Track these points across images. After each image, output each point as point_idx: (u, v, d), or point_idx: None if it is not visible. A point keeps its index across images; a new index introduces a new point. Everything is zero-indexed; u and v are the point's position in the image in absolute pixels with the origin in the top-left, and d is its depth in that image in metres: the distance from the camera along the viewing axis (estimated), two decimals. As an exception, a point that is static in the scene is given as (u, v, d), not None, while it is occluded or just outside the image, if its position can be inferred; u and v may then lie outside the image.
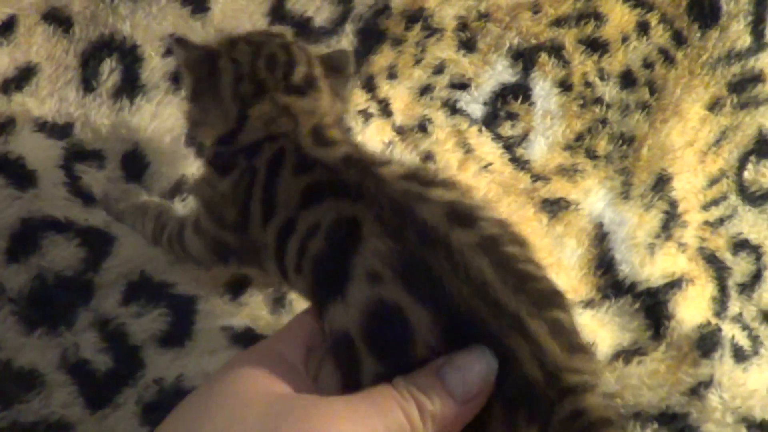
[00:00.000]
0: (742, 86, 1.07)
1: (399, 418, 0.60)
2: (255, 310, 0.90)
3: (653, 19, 1.10)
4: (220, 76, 0.78)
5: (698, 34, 1.09)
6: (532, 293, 0.63)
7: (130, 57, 1.01)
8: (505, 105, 1.08)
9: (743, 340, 0.94)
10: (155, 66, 1.02)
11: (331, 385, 0.67)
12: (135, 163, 0.99)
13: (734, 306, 0.98)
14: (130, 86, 1.01)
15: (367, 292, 0.63)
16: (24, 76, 1.00)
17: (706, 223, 1.02)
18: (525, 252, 0.67)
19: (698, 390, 0.88)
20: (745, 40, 1.08)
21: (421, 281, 0.62)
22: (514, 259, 0.65)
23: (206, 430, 0.59)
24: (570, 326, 0.65)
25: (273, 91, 0.77)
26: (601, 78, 1.09)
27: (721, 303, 0.97)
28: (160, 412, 0.78)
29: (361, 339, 0.63)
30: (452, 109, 1.07)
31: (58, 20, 1.02)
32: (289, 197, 0.71)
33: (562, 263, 0.98)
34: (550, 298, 0.65)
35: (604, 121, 1.07)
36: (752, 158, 1.06)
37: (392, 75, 1.08)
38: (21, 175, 0.93)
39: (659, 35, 1.10)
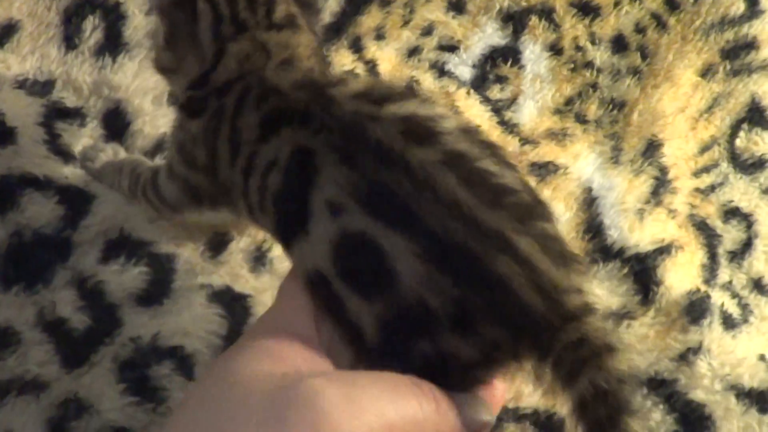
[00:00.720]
0: (735, 53, 1.06)
1: (413, 407, 0.58)
2: (235, 268, 0.89)
3: (646, -17, 1.07)
4: (199, 19, 0.75)
5: (691, 0, 1.08)
6: (512, 208, 0.61)
7: (113, 14, 1.01)
8: (495, 68, 1.07)
9: (733, 308, 0.93)
10: (138, 24, 1.01)
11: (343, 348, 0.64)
12: (116, 121, 0.98)
13: (724, 274, 0.96)
14: (112, 44, 1.00)
15: (331, 225, 0.61)
16: (5, 32, 1.00)
17: (697, 190, 1.01)
18: (499, 162, 0.64)
19: (687, 356, 0.88)
20: (739, 7, 1.07)
21: (386, 206, 0.60)
22: (487, 172, 0.62)
23: (208, 423, 0.56)
24: (557, 236, 0.63)
25: (254, 30, 0.74)
26: (593, 42, 1.08)
27: (710, 270, 0.96)
28: (137, 370, 0.77)
29: (335, 275, 0.62)
30: (440, 71, 1.06)
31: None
32: (250, 131, 0.69)
33: (550, 227, 0.96)
34: (533, 210, 0.62)
35: (594, 86, 1.06)
36: (744, 126, 1.04)
37: (380, 36, 1.07)
38: (0, 132, 0.92)
39: (652, 0, 1.08)
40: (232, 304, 0.87)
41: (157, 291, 0.87)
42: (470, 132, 0.65)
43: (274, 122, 0.67)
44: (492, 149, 0.65)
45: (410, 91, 0.71)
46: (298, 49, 0.75)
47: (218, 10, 0.74)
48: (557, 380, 0.61)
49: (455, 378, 0.61)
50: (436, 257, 0.59)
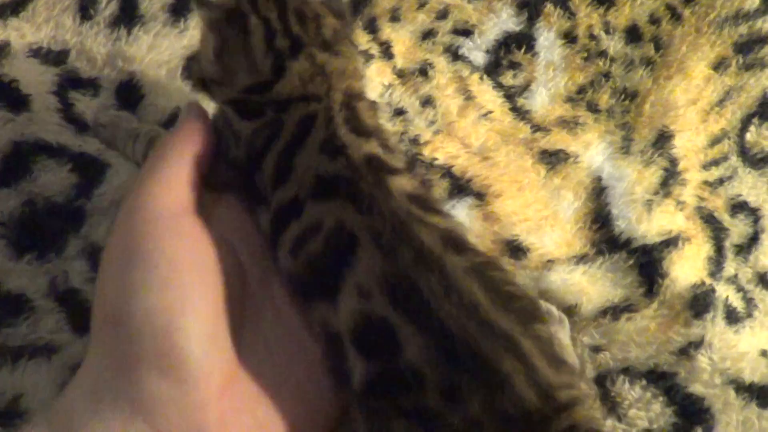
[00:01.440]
0: (748, 47, 1.06)
1: None
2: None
3: (663, -25, 1.07)
4: (252, 34, 0.77)
5: (707, -8, 1.07)
6: (518, 312, 0.66)
7: (129, -14, 1.00)
8: (508, 54, 1.07)
9: (737, 302, 0.94)
10: (155, -3, 1.00)
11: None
12: (130, 93, 0.97)
13: (730, 267, 0.97)
14: (128, 16, 1.00)
15: (357, 305, 0.66)
16: (20, 1, 0.99)
17: (706, 182, 1.01)
18: (508, 275, 0.69)
19: (688, 350, 0.88)
20: (754, 1, 1.07)
21: (409, 301, 0.65)
22: (501, 281, 0.67)
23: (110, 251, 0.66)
24: (549, 338, 0.67)
25: (309, 47, 0.76)
26: (607, 31, 1.08)
27: (716, 263, 0.96)
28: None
29: (350, 341, 0.66)
30: (454, 55, 1.06)
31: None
32: (305, 174, 0.71)
33: (558, 216, 0.97)
34: (532, 313, 0.67)
35: (607, 75, 1.06)
36: (755, 120, 1.05)
37: (395, 18, 1.06)
38: (14, 99, 0.92)
39: (668, -9, 1.07)
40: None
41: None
42: (489, 254, 0.76)
43: (333, 187, 0.70)
44: (502, 267, 0.71)
45: (449, 213, 0.75)
46: (354, 82, 0.78)
47: (270, 25, 0.76)
48: None
49: None
50: (446, 351, 0.63)
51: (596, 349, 0.88)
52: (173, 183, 0.70)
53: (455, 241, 0.68)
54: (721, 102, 1.04)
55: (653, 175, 1.00)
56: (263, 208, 0.73)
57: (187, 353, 0.63)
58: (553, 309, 0.89)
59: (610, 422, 0.84)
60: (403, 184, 0.71)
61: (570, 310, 0.91)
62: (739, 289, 0.95)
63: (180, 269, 0.65)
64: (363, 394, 0.67)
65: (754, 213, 1.00)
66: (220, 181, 0.77)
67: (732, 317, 0.91)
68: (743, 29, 1.06)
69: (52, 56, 0.98)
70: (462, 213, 0.95)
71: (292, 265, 0.70)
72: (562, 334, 0.88)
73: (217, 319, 0.66)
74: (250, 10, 0.78)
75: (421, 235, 0.67)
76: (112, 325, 0.64)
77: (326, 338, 0.68)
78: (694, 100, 1.04)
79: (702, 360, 0.87)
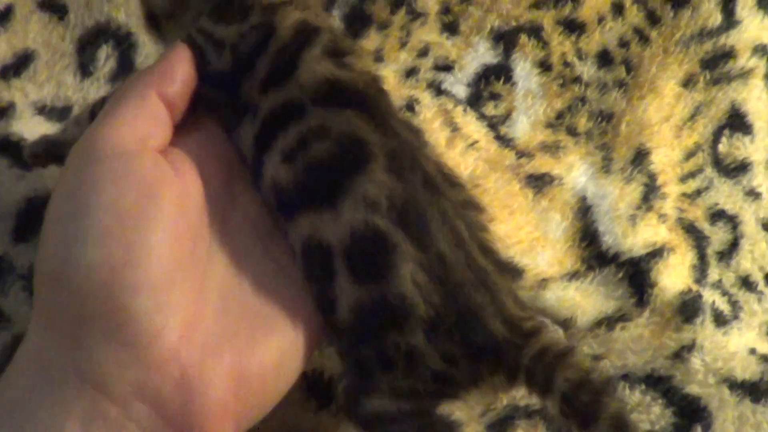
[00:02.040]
0: (714, 63, 1.10)
1: None
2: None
3: (627, 0, 1.13)
4: None
5: (671, 14, 1.12)
6: (491, 256, 0.70)
7: (125, 43, 1.04)
8: (488, 85, 1.11)
9: (723, 306, 0.97)
10: (149, 52, 1.04)
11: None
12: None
13: (713, 273, 1.01)
14: (126, 71, 1.03)
15: (362, 215, 0.65)
16: (22, 62, 1.03)
17: (684, 194, 1.05)
18: (483, 222, 0.72)
19: (681, 353, 0.92)
20: (716, 18, 1.11)
21: (413, 221, 0.65)
22: (480, 224, 0.71)
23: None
24: (515, 291, 0.71)
25: None
26: (579, 58, 1.12)
27: (701, 270, 1.00)
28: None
29: (342, 255, 0.65)
30: (437, 90, 1.10)
31: (53, 8, 1.05)
32: (310, 80, 0.68)
33: (548, 236, 1.01)
34: (506, 267, 0.72)
35: (583, 99, 1.10)
36: (726, 132, 1.08)
37: (379, 58, 1.10)
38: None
39: (634, 15, 1.13)
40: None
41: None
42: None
43: (343, 95, 0.69)
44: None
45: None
46: None
47: None
48: (536, 391, 0.69)
49: (419, 380, 0.68)
50: (435, 272, 0.65)
51: (597, 358, 0.91)
52: (129, 119, 0.64)
53: (447, 175, 0.70)
54: (692, 117, 1.08)
55: (634, 191, 1.04)
56: (248, 119, 0.69)
57: (134, 310, 0.59)
58: (548, 322, 0.93)
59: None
60: (400, 115, 0.72)
61: (566, 323, 0.94)
62: (724, 293, 0.99)
63: (124, 216, 0.60)
64: (348, 329, 0.67)
65: (732, 220, 1.04)
66: (202, 107, 0.72)
67: (720, 320, 0.95)
68: (708, 46, 1.10)
69: (55, 113, 1.01)
70: (459, 239, 0.98)
71: (284, 172, 0.67)
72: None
73: (171, 265, 0.61)
74: None
75: (425, 164, 0.68)
76: (51, 285, 0.60)
77: (310, 255, 0.66)
78: (667, 117, 1.08)
79: (695, 362, 0.91)
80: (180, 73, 0.69)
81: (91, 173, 0.61)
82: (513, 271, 0.75)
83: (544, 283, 0.97)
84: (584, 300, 0.96)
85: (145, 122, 0.65)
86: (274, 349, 0.65)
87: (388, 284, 0.64)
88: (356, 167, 0.65)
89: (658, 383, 0.91)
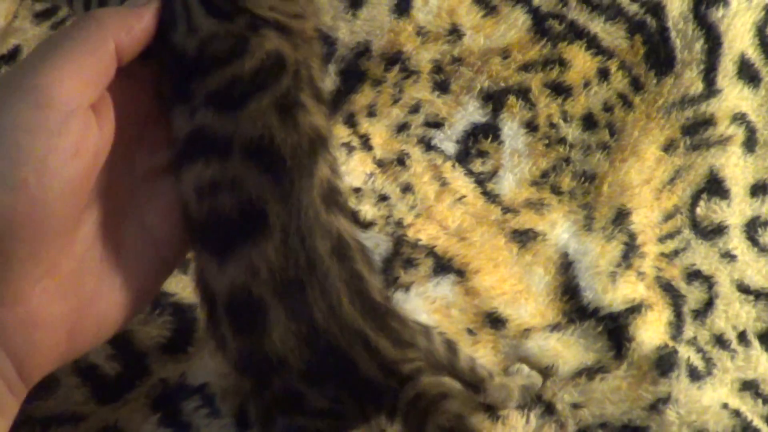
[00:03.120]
0: (694, 129, 1.14)
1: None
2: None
3: (613, 66, 1.17)
4: None
5: (654, 81, 1.16)
6: (373, 311, 0.72)
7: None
8: (476, 143, 1.14)
9: (698, 362, 1.00)
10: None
11: None
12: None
13: (689, 330, 1.04)
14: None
15: (241, 278, 0.67)
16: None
17: (662, 254, 1.08)
18: (370, 285, 0.73)
19: (657, 405, 0.95)
20: (698, 87, 1.14)
21: (289, 293, 0.68)
22: (365, 289, 0.72)
23: None
24: (398, 327, 0.73)
25: None
26: (565, 120, 1.15)
27: (677, 327, 1.03)
28: (169, 405, 0.84)
29: (224, 306, 0.69)
30: (427, 145, 1.13)
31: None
32: (253, 123, 0.69)
33: (531, 290, 1.04)
34: (384, 311, 0.73)
35: (567, 160, 1.13)
36: (704, 196, 1.12)
37: (372, 113, 1.14)
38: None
39: (618, 81, 1.16)
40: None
41: (181, 339, 0.94)
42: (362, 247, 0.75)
43: (269, 155, 0.69)
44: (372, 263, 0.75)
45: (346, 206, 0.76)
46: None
47: None
48: None
49: (310, 417, 0.72)
50: (306, 339, 0.69)
51: (576, 406, 0.94)
52: (79, 69, 0.64)
53: (341, 250, 0.70)
54: (672, 180, 1.11)
55: (615, 249, 1.07)
56: (185, 109, 0.70)
57: (7, 253, 0.62)
58: (525, 368, 0.97)
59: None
60: (324, 170, 0.71)
61: (548, 371, 0.97)
62: (699, 350, 1.01)
63: (33, 163, 0.61)
64: (237, 370, 0.72)
65: (707, 280, 1.07)
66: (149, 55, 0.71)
67: (694, 375, 0.98)
68: (689, 113, 1.13)
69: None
70: (446, 289, 1.02)
71: (194, 204, 0.69)
72: (520, 381, 0.95)
73: (58, 217, 0.63)
74: None
75: (318, 245, 0.69)
76: None
77: (200, 292, 0.71)
78: (647, 180, 1.11)
79: (670, 414, 0.94)
80: (142, 26, 0.68)
81: (27, 120, 0.61)
82: (388, 307, 0.75)
83: (526, 332, 1.00)
84: (565, 350, 0.99)
85: (93, 75, 0.65)
86: (111, 305, 0.70)
87: (262, 340, 0.68)
88: (250, 236, 0.68)
89: (633, 433, 0.93)
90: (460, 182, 1.11)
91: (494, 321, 1.01)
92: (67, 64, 0.63)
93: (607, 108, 1.16)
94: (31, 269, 0.63)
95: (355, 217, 1.02)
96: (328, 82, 1.14)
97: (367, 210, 1.07)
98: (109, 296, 0.70)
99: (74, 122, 0.63)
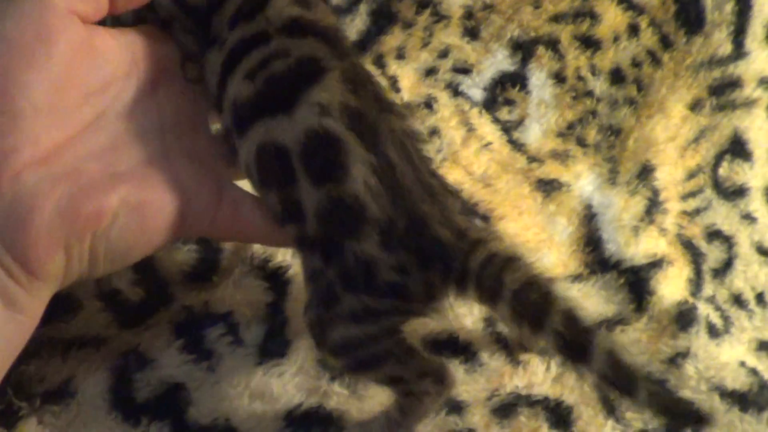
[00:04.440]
0: (721, 90, 1.14)
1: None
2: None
3: (643, 22, 1.16)
4: None
5: (684, 39, 1.16)
6: (438, 183, 0.73)
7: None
8: (504, 92, 1.14)
9: (716, 319, 1.01)
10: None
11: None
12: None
13: (708, 288, 1.04)
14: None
15: (316, 118, 0.68)
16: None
17: (684, 212, 1.09)
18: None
19: (676, 360, 0.96)
20: (727, 48, 1.14)
21: (365, 130, 0.69)
22: (425, 157, 0.73)
23: None
24: (462, 211, 0.75)
25: None
26: (593, 73, 1.15)
27: (696, 284, 1.03)
28: (192, 331, 0.84)
29: (300, 156, 0.69)
30: (455, 91, 1.13)
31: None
32: (276, 16, 0.72)
33: (554, 239, 1.04)
34: (449, 191, 0.74)
35: (594, 113, 1.13)
36: (727, 157, 1.12)
37: (401, 55, 1.13)
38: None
39: (648, 37, 1.16)
40: (274, 275, 0.94)
41: (206, 268, 0.93)
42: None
43: (304, 28, 0.72)
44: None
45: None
46: None
47: None
48: (485, 297, 0.71)
49: (376, 294, 0.71)
50: (385, 177, 0.69)
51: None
52: None
53: (394, 105, 0.73)
54: (696, 139, 1.12)
55: (638, 204, 1.07)
56: (215, 48, 0.73)
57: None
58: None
59: (610, 423, 0.91)
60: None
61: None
62: (717, 308, 1.02)
63: (18, 49, 0.65)
64: (318, 242, 0.71)
65: (727, 240, 1.07)
66: (169, 27, 0.77)
67: (713, 332, 0.98)
68: (717, 73, 1.13)
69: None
70: (471, 232, 1.01)
71: (245, 87, 0.71)
72: None
73: (46, 103, 0.66)
74: None
75: (378, 87, 0.73)
76: None
77: (266, 160, 0.71)
78: (672, 137, 1.11)
79: (689, 368, 0.95)
80: None
81: (12, 8, 0.66)
82: (458, 196, 0.76)
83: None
84: (586, 301, 0.99)
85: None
86: (115, 199, 0.68)
87: (343, 185, 0.68)
88: (312, 79, 0.69)
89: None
90: (487, 129, 1.10)
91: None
92: None
93: (636, 64, 1.16)
94: (16, 147, 0.65)
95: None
96: (358, 21, 1.13)
97: (395, 152, 1.06)
98: (109, 191, 0.68)
99: (50, 14, 0.66)
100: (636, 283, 1.01)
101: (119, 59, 0.72)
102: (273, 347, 0.91)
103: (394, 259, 0.69)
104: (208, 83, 0.74)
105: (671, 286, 1.01)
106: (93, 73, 0.70)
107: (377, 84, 0.74)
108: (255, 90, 0.70)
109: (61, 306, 0.85)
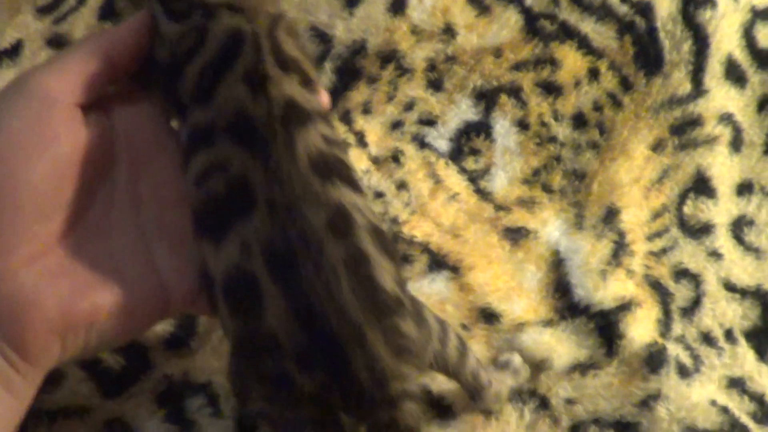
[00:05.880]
0: (682, 129, 1.15)
1: None
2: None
3: (603, 66, 1.18)
4: None
5: (644, 81, 1.17)
6: (377, 303, 0.69)
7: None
8: (469, 141, 1.16)
9: (686, 359, 1.02)
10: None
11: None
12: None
13: (677, 328, 1.05)
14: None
15: (236, 258, 0.67)
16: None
17: (651, 252, 1.10)
18: (375, 271, 0.70)
19: (648, 402, 0.97)
20: (686, 87, 1.16)
21: (283, 270, 0.67)
22: (369, 276, 0.69)
23: None
24: (405, 331, 0.70)
25: None
26: (556, 119, 1.17)
27: (665, 325, 1.05)
28: (173, 401, 0.86)
29: (221, 289, 0.69)
30: (421, 143, 1.14)
31: (61, 45, 1.09)
32: (226, 104, 0.70)
33: (524, 286, 1.06)
34: (393, 307, 0.70)
35: (558, 158, 1.15)
36: (691, 195, 1.13)
37: (367, 110, 1.15)
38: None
39: (608, 81, 1.18)
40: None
41: (184, 333, 0.95)
42: (377, 231, 0.73)
43: (248, 130, 0.69)
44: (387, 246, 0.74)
45: (349, 176, 0.74)
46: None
47: None
48: None
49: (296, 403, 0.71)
50: (304, 322, 0.67)
51: (570, 402, 0.97)
52: (66, 70, 0.70)
53: (338, 225, 0.68)
54: (660, 179, 1.13)
55: (605, 248, 1.08)
56: (182, 119, 0.73)
57: None
58: (515, 359, 0.98)
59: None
60: (312, 138, 0.70)
61: (543, 364, 0.99)
62: (687, 347, 1.03)
63: (15, 146, 0.66)
64: (232, 353, 0.70)
65: (695, 279, 1.09)
66: (145, 78, 0.76)
67: (683, 372, 1.00)
68: (677, 113, 1.15)
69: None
70: (441, 285, 1.03)
71: (193, 195, 0.70)
72: (510, 380, 0.96)
73: (38, 199, 0.67)
74: None
75: (309, 215, 0.67)
76: None
77: (204, 281, 0.70)
78: (636, 179, 1.12)
79: (661, 410, 0.96)
80: (131, 39, 0.73)
81: (10, 106, 0.67)
82: (400, 306, 0.72)
83: (521, 326, 1.02)
84: (559, 345, 1.01)
85: (81, 79, 0.70)
86: (109, 298, 0.70)
87: (257, 320, 0.67)
88: (241, 212, 0.68)
89: (626, 429, 0.96)
90: (454, 180, 1.12)
91: (488, 316, 1.02)
92: (55, 64, 0.70)
93: (597, 107, 1.17)
94: (15, 243, 0.66)
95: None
96: (324, 78, 1.14)
97: (364, 207, 1.08)
98: (103, 290, 0.71)
99: (55, 113, 0.68)
100: (606, 327, 1.03)
101: (109, 145, 0.74)
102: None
103: (313, 377, 0.69)
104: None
105: (641, 328, 1.02)
106: (88, 167, 0.71)
107: (309, 200, 0.69)
108: (198, 205, 0.71)
109: (46, 378, 0.86)
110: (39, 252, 0.68)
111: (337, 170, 0.71)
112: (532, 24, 1.20)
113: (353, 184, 0.73)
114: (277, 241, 0.67)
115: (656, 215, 1.13)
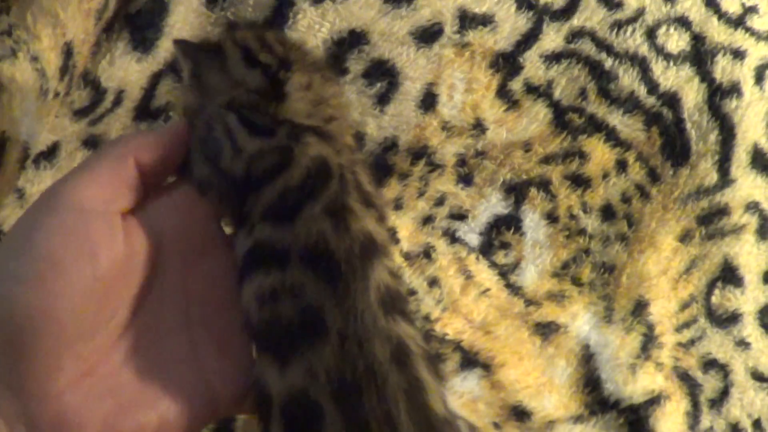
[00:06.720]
0: (709, 219, 1.17)
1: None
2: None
3: (631, 158, 1.19)
4: (229, 57, 0.76)
5: (671, 172, 1.19)
6: (431, 427, 0.69)
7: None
8: (499, 235, 1.17)
9: (715, 453, 1.02)
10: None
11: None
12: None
13: (706, 420, 1.07)
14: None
15: (302, 381, 0.67)
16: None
17: (679, 344, 1.12)
18: (432, 400, 0.70)
19: (677, 497, 0.98)
20: (713, 177, 1.17)
21: (349, 401, 0.66)
22: (425, 400, 0.69)
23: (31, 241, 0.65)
24: None
25: (298, 64, 0.75)
26: (584, 211, 1.18)
27: (694, 417, 1.07)
28: None
29: (279, 408, 0.68)
30: (452, 237, 1.16)
31: (97, 146, 1.11)
32: (307, 233, 0.70)
33: (554, 382, 1.07)
34: (442, 429, 0.70)
35: (587, 251, 1.16)
36: (719, 284, 1.15)
37: (398, 206, 1.17)
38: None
39: (636, 172, 1.19)
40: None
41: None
42: (431, 359, 0.74)
43: (326, 264, 0.69)
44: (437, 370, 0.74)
45: (410, 315, 0.75)
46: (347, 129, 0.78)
47: (249, 46, 0.76)
48: None
49: None
50: None
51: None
52: (99, 179, 0.68)
53: (401, 357, 0.69)
54: (688, 270, 1.15)
55: (634, 341, 1.10)
56: (244, 230, 0.72)
57: (36, 350, 0.63)
58: None
59: None
60: (381, 273, 0.70)
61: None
62: (716, 440, 1.04)
63: (58, 266, 0.64)
64: None
65: (723, 369, 1.11)
66: (193, 182, 0.74)
67: (712, 466, 1.01)
68: (704, 203, 1.17)
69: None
70: (473, 383, 1.05)
71: (255, 311, 0.69)
72: None
73: (84, 319, 0.65)
74: (225, 37, 0.77)
75: (375, 350, 0.68)
76: None
77: (259, 396, 0.69)
78: (664, 271, 1.14)
79: (691, 506, 0.97)
80: (165, 148, 0.72)
81: (45, 221, 0.65)
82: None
83: (551, 424, 1.04)
84: (589, 443, 1.02)
85: (113, 185, 0.68)
86: (154, 416, 0.69)
87: None
88: (310, 340, 0.67)
89: None
90: (485, 275, 1.14)
91: (519, 414, 1.04)
92: (85, 172, 0.68)
93: (625, 199, 1.19)
94: (59, 365, 0.65)
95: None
96: (357, 176, 1.16)
97: (397, 306, 1.10)
98: (148, 408, 0.69)
99: (92, 225, 0.66)
100: (636, 421, 1.04)
101: (154, 249, 0.72)
102: None
103: None
104: (237, 262, 0.73)
105: (670, 422, 1.04)
106: (132, 276, 0.70)
107: (377, 335, 0.69)
108: (261, 325, 0.70)
109: None
110: (85, 371, 0.66)
111: (399, 305, 0.72)
112: (560, 117, 1.21)
113: (408, 316, 0.74)
114: (346, 373, 0.68)
115: (684, 306, 1.15)
